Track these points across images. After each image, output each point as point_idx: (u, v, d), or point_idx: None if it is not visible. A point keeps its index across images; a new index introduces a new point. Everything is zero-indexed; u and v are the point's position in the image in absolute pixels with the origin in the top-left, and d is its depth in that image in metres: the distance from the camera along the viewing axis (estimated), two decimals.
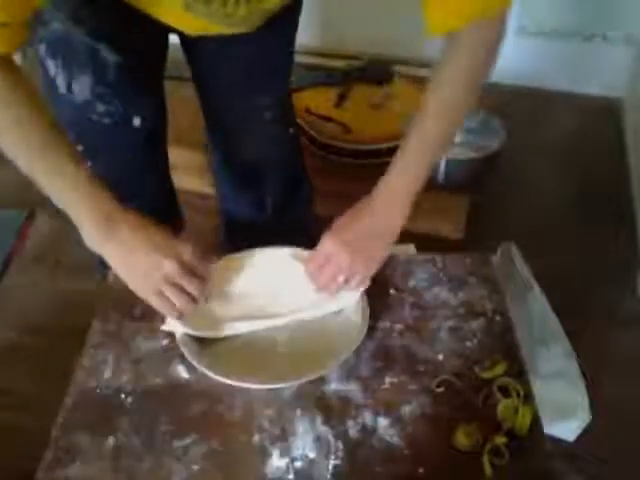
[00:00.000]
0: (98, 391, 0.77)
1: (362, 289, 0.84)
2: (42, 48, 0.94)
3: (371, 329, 0.82)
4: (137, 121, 1.06)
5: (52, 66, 0.95)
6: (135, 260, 0.76)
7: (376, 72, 2.30)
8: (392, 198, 0.84)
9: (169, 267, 0.75)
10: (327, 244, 0.83)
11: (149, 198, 1.15)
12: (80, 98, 0.97)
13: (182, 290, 0.77)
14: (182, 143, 1.73)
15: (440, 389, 0.76)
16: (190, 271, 0.77)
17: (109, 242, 0.77)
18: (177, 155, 1.86)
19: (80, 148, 1.11)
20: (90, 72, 0.94)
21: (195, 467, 0.69)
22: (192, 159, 1.80)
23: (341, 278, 0.82)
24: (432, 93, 0.82)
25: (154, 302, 0.77)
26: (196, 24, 0.89)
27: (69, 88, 0.96)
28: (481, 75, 0.82)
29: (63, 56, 0.94)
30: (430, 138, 0.83)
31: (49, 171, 0.75)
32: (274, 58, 1.15)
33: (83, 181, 0.76)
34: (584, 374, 1.30)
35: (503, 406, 0.72)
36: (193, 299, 0.78)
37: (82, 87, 0.96)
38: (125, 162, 1.10)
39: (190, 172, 1.87)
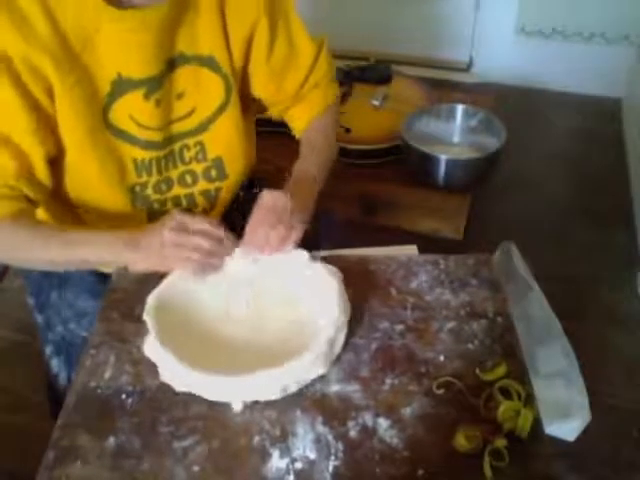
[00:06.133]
0: (98, 391, 0.77)
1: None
2: (48, 349, 1.05)
3: (372, 329, 0.82)
4: None
5: (55, 364, 1.05)
6: (147, 244, 0.84)
7: (376, 72, 2.30)
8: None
9: (166, 231, 0.82)
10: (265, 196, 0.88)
11: None
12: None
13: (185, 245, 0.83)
14: None
15: (441, 391, 0.75)
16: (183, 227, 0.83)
17: (134, 252, 0.85)
18: None
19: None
20: None
21: (195, 468, 0.69)
22: None
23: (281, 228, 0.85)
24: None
25: (177, 266, 0.84)
26: None
27: (69, 380, 1.02)
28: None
29: (67, 354, 1.03)
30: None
31: (64, 253, 0.87)
32: None
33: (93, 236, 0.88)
34: (584, 374, 1.30)
35: (504, 408, 0.71)
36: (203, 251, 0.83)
37: None
38: None
39: None
